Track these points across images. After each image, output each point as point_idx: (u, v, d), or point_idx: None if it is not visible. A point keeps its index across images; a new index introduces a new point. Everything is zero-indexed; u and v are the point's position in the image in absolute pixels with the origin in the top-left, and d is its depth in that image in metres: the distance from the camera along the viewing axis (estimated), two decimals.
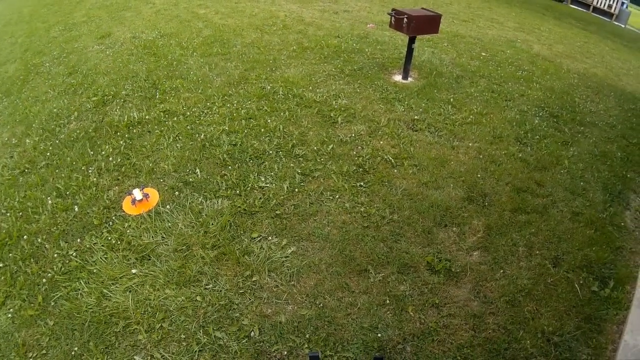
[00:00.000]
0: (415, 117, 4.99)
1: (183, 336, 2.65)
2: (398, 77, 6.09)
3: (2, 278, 3.21)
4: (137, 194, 3.57)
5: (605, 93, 6.85)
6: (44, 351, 2.68)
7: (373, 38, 8.01)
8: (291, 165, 4.08)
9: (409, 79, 6.04)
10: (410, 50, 5.75)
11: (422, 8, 5.84)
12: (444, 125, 4.90)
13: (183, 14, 10.62)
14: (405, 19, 5.34)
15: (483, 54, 7.75)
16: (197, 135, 4.59)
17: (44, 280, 3.12)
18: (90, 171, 4.20)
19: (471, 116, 5.14)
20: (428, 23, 5.51)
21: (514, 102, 5.76)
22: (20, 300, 3.02)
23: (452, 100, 5.49)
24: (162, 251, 3.18)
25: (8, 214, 3.88)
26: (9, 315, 2.93)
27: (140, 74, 6.38)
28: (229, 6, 11.17)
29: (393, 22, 5.60)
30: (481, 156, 4.39)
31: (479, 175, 4.07)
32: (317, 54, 7.01)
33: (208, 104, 5.28)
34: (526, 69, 7.24)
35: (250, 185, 3.80)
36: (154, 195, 3.71)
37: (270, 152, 4.27)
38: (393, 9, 5.63)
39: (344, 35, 8.09)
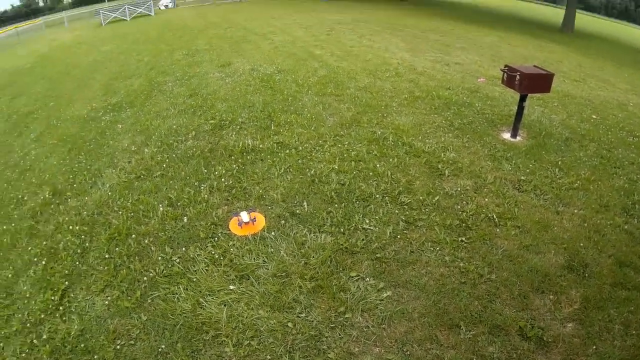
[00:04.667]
0: (522, 178, 5.14)
1: (269, 357, 2.97)
2: (507, 135, 6.30)
3: (106, 268, 3.85)
4: (245, 216, 4.09)
5: None
6: (132, 342, 3.15)
7: (483, 92, 8.35)
8: (396, 211, 4.40)
9: (518, 137, 6.24)
10: (520, 109, 6.00)
11: (535, 66, 6.08)
12: (550, 188, 4.99)
13: (300, 53, 11.79)
14: (517, 76, 5.63)
15: (593, 116, 7.73)
16: (307, 170, 5.12)
17: (145, 278, 3.68)
18: (202, 188, 4.87)
19: (578, 181, 5.19)
20: (540, 82, 5.74)
21: (623, 170, 5.67)
22: (119, 291, 3.59)
23: (559, 163, 5.58)
24: (261, 274, 3.61)
25: (120, 212, 4.62)
26: (106, 302, 3.50)
27: (257, 104, 7.24)
28: (344, 49, 12.29)
29: (505, 78, 5.91)
30: (585, 224, 4.41)
31: (581, 244, 4.09)
32: (427, 104, 7.47)
33: (320, 141, 5.87)
34: (638, 135, 7.06)
35: (354, 225, 4.16)
36: (261, 220, 4.21)
37: (377, 196, 4.64)
38: (506, 66, 5.96)
39: (454, 88, 8.54)
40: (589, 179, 5.25)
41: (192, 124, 6.66)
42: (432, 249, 3.91)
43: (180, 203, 4.63)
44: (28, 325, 3.39)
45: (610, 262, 3.92)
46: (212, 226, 4.22)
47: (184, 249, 3.95)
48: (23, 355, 3.16)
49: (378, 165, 5.23)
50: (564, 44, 19.31)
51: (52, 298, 3.59)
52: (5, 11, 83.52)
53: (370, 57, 11.34)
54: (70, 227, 4.51)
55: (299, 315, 3.25)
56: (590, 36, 26.73)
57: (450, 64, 11.06)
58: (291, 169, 5.14)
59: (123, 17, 28.18)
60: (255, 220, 4.15)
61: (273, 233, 4.05)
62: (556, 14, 36.14)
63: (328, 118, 6.71)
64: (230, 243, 3.95)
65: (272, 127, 6.32)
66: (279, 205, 4.48)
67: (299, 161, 5.32)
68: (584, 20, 36.30)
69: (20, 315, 3.51)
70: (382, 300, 3.38)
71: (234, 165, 5.26)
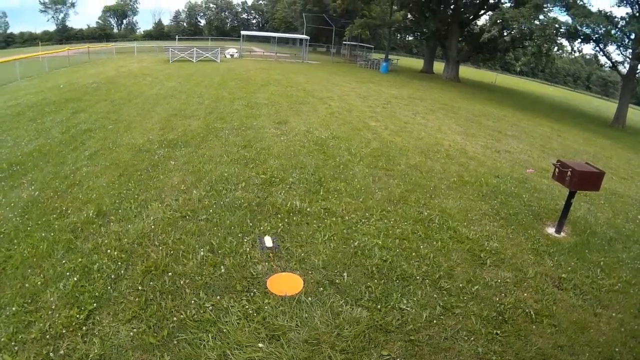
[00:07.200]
0: (563, 275, 5.13)
1: None
2: (551, 230, 6.35)
3: (137, 299, 3.95)
4: (268, 241, 4.20)
5: None
6: None
7: (531, 184, 8.48)
8: (434, 295, 4.45)
9: (562, 233, 6.27)
10: (568, 205, 6.09)
11: (587, 163, 6.21)
12: (590, 289, 4.96)
13: (355, 122, 12.27)
14: (569, 173, 5.75)
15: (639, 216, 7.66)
16: (351, 241, 5.24)
17: (175, 318, 3.76)
18: (245, 240, 5.03)
19: (619, 284, 5.14)
20: (591, 179, 5.84)
21: None
22: (146, 325, 3.66)
23: (602, 263, 5.55)
24: (292, 337, 3.64)
25: (160, 248, 4.79)
26: (131, 333, 3.57)
27: (309, 167, 7.54)
28: (398, 124, 12.76)
29: (556, 173, 6.05)
30: (622, 329, 4.32)
31: (616, 349, 4.01)
32: (475, 190, 7.64)
33: (367, 214, 6.04)
34: None
35: (392, 304, 4.21)
36: (298, 283, 4.31)
37: (417, 277, 4.71)
38: (558, 160, 6.11)
39: (503, 176, 8.73)
40: (630, 282, 5.24)
41: (243, 175, 6.96)
42: (466, 338, 3.91)
43: (221, 251, 4.78)
44: (47, 336, 3.47)
45: None
46: (250, 281, 4.33)
47: (218, 297, 4.05)
48: None
49: (422, 247, 5.33)
50: (614, 139, 19.48)
51: (77, 316, 3.69)
52: (81, 30, 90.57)
53: (423, 135, 11.73)
54: (109, 251, 4.68)
55: None
56: None
57: (500, 151, 11.34)
58: (335, 237, 5.28)
59: (190, 58, 29.92)
60: (278, 248, 4.29)
61: (310, 298, 4.12)
62: (608, 107, 36.27)
63: (377, 191, 6.91)
64: (266, 301, 4.03)
65: (321, 192, 6.54)
66: (319, 271, 4.58)
67: (344, 231, 5.46)
68: (638, 115, 36.17)
69: (41, 324, 3.59)
70: None
71: (280, 224, 5.44)
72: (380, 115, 13.89)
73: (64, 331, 3.54)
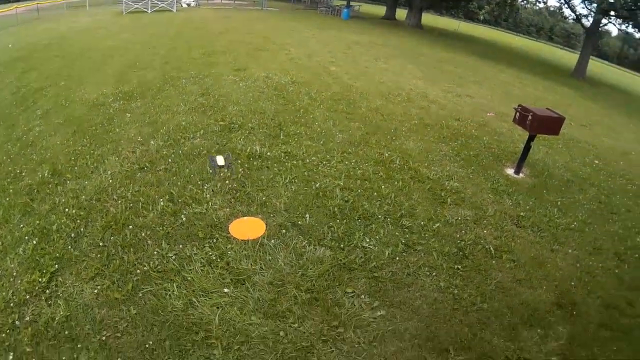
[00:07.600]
0: (521, 214, 5.30)
1: None
2: (510, 171, 6.54)
3: (98, 256, 3.84)
4: (220, 160, 4.15)
5: None
6: (118, 334, 3.15)
7: (491, 127, 8.66)
8: (396, 234, 4.50)
9: (521, 174, 6.48)
10: (527, 148, 6.26)
11: (547, 108, 6.34)
12: (548, 227, 5.15)
13: (315, 67, 12.03)
14: (530, 117, 5.87)
15: (596, 161, 8.03)
16: (312, 183, 5.21)
17: (138, 271, 3.69)
18: (205, 187, 4.92)
19: (575, 223, 5.36)
20: (550, 124, 5.99)
21: (619, 217, 5.86)
22: (110, 281, 3.58)
23: (559, 203, 5.78)
24: (257, 280, 3.64)
25: (119, 202, 4.64)
26: (95, 291, 3.48)
27: (268, 112, 7.37)
28: (359, 69, 12.61)
29: (517, 117, 6.18)
30: (578, 265, 4.54)
31: (572, 283, 4.22)
32: (436, 133, 7.72)
33: (327, 156, 5.99)
34: (637, 183, 7.29)
35: (354, 242, 4.24)
36: (261, 227, 4.27)
37: (379, 216, 4.74)
38: (519, 105, 6.22)
39: (464, 120, 8.84)
40: (586, 221, 5.47)
41: (202, 123, 6.76)
42: (428, 273, 4.01)
43: (181, 200, 4.66)
44: (11, 304, 3.36)
45: (598, 303, 4.07)
46: (211, 227, 4.26)
47: (180, 246, 3.98)
48: (3, 335, 3.12)
49: (383, 187, 5.34)
50: (575, 88, 19.87)
51: (40, 280, 3.56)
52: None
53: (384, 79, 11.62)
54: (66, 210, 4.50)
55: (292, 325, 3.29)
56: (601, 83, 27.26)
57: (462, 95, 11.40)
58: (296, 180, 5.23)
59: (144, 9, 28.45)
60: (231, 166, 4.42)
61: (273, 241, 4.10)
62: (570, 58, 36.80)
63: (337, 134, 6.85)
64: (229, 246, 3.99)
65: (281, 137, 6.44)
66: (281, 214, 4.55)
67: (305, 173, 5.42)
68: (597, 67, 36.85)
69: (4, 293, 3.46)
70: (376, 318, 3.44)
71: (240, 170, 5.33)
72: (341, 61, 13.61)
73: (27, 297, 3.43)
